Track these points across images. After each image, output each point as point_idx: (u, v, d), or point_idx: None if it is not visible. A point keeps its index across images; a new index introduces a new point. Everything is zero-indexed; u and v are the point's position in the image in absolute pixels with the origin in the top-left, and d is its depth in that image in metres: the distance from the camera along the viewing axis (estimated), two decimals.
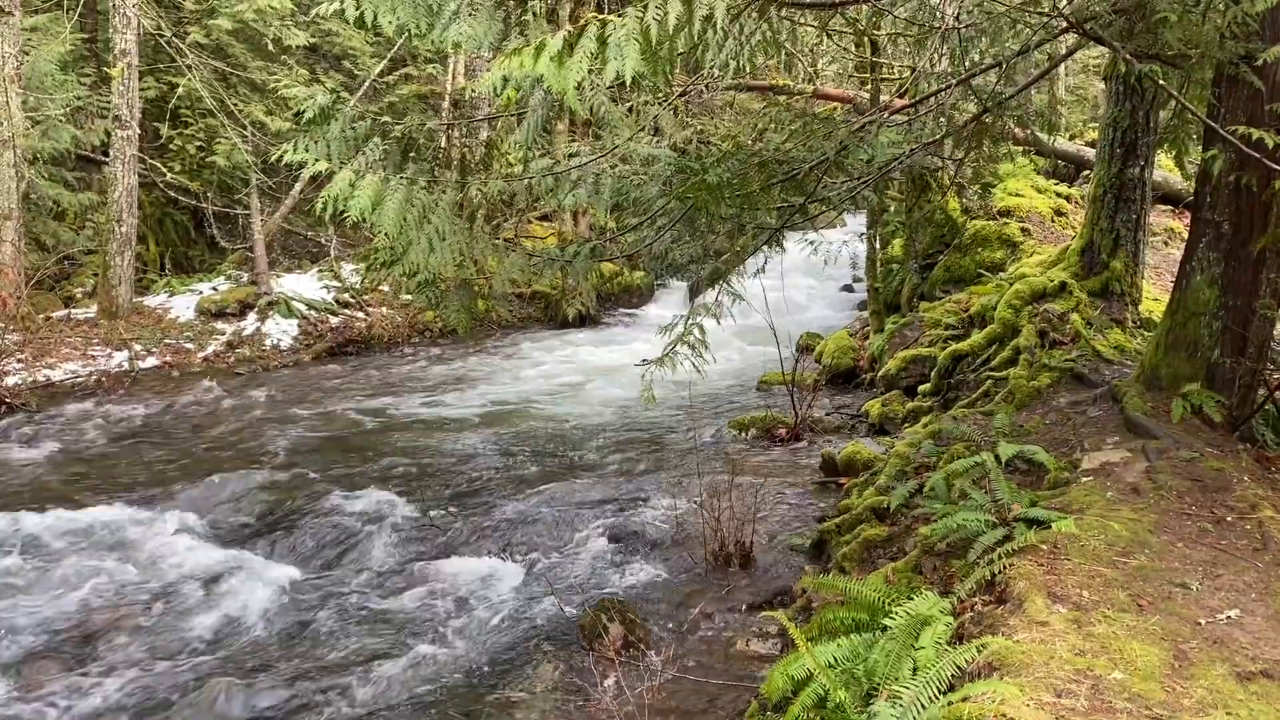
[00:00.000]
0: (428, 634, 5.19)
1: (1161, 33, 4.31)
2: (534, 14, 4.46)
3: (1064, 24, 4.73)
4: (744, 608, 5.31)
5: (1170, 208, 12.02)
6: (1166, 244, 10.95)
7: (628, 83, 3.26)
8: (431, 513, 6.95)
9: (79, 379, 11.41)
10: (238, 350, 13.20)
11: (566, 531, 6.49)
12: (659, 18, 3.23)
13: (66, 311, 13.43)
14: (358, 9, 4.10)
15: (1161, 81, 4.62)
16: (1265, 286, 5.11)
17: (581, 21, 3.33)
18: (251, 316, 14.00)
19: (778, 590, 5.46)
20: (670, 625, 5.20)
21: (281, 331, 13.79)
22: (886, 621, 3.33)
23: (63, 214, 14.59)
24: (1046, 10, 4.95)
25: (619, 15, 3.30)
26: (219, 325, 13.78)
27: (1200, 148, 5.70)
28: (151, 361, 12.38)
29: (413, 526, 6.69)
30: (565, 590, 5.64)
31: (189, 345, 13.06)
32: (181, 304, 14.19)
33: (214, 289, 14.73)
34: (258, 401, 10.80)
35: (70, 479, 7.94)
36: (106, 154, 13.60)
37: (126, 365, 11.93)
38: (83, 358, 11.94)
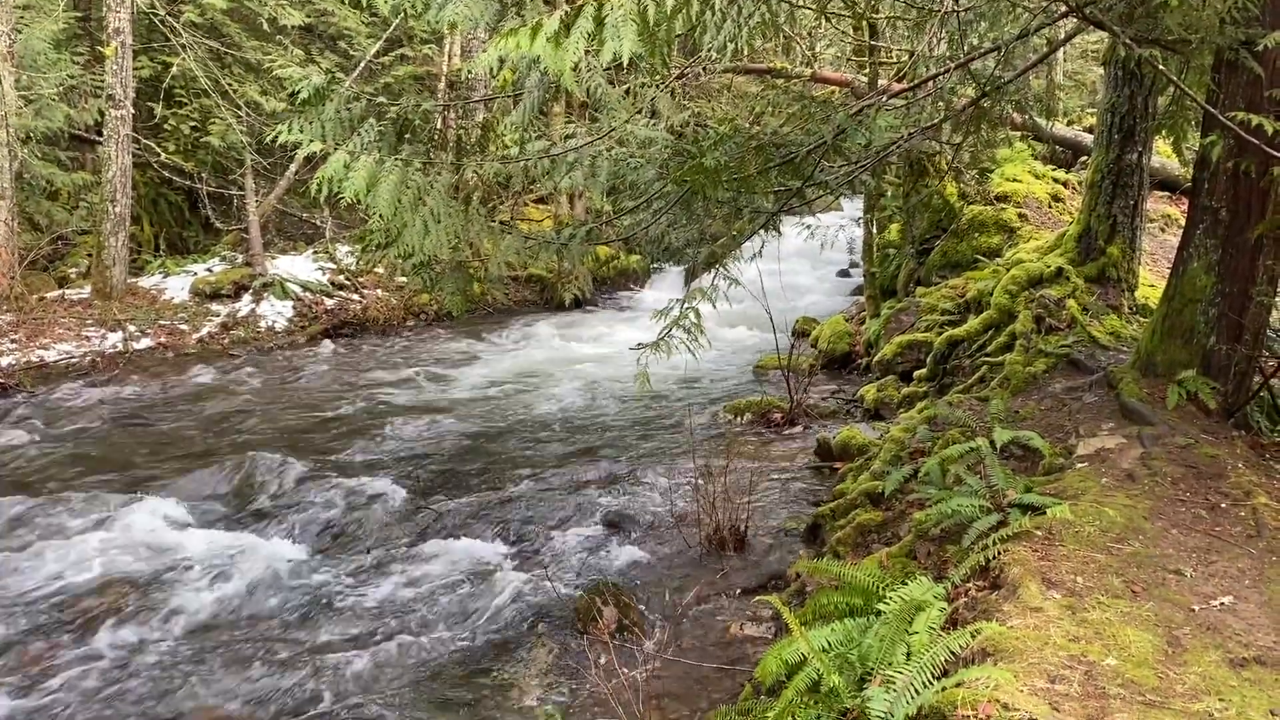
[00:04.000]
0: (423, 616, 5.20)
1: (1161, 17, 4.29)
2: None
3: (1063, 8, 4.70)
4: (738, 591, 5.32)
5: (1168, 194, 12.01)
6: (1163, 230, 10.93)
7: (625, 64, 3.23)
8: (426, 496, 6.96)
9: (73, 360, 11.37)
10: (232, 332, 13.16)
11: (560, 515, 6.50)
12: None
13: (60, 292, 13.37)
14: None
15: (1161, 67, 4.59)
16: (1262, 273, 5.10)
17: (578, 1, 3.30)
18: (246, 298, 13.95)
19: (772, 574, 5.47)
20: (664, 608, 5.21)
21: (276, 313, 13.75)
22: (881, 606, 3.34)
23: (56, 194, 14.49)
24: None
25: None
26: (214, 306, 13.73)
27: (1199, 133, 5.68)
28: (146, 342, 12.33)
29: (407, 509, 6.69)
30: (559, 573, 5.65)
31: (183, 326, 13.02)
32: (176, 285, 14.12)
33: (209, 270, 14.67)
34: (252, 383, 10.78)
35: (64, 460, 7.93)
36: (100, 133, 13.50)
37: (120, 346, 11.89)
38: (77, 338, 11.89)
